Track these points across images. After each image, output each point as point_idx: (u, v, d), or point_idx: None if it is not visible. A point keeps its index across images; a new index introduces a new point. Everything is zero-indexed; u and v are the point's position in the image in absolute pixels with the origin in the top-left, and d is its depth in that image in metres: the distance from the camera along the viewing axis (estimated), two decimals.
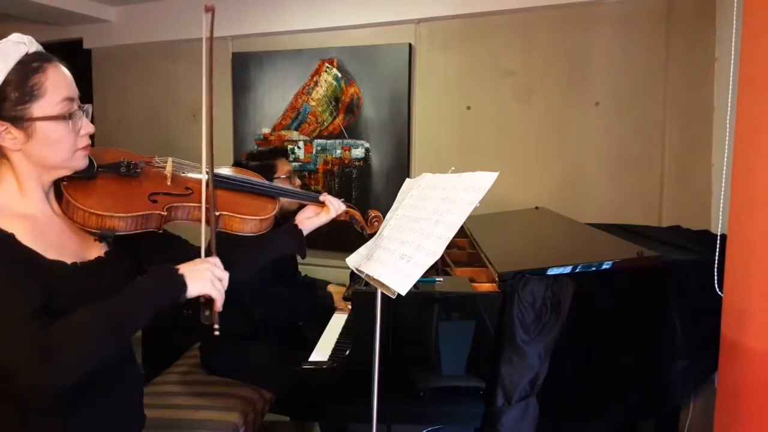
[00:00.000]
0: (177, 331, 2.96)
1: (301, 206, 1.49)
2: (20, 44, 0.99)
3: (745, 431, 1.43)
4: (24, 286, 0.92)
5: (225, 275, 1.04)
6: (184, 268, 1.01)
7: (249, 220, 1.23)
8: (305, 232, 1.38)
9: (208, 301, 1.02)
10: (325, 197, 1.39)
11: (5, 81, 0.96)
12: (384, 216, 1.44)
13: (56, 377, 0.89)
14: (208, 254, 1.09)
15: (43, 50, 1.03)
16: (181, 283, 0.98)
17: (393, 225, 1.35)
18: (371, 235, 1.45)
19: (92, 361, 0.92)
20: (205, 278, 1.01)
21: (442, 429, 1.71)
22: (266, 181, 1.38)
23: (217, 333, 1.04)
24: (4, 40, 0.99)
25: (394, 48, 3.06)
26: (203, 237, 1.11)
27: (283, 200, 1.40)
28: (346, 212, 1.42)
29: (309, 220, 1.38)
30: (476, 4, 2.87)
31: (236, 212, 1.22)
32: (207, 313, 1.02)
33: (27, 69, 0.98)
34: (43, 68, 0.99)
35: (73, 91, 1.04)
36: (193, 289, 0.99)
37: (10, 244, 0.94)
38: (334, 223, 1.43)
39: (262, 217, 1.25)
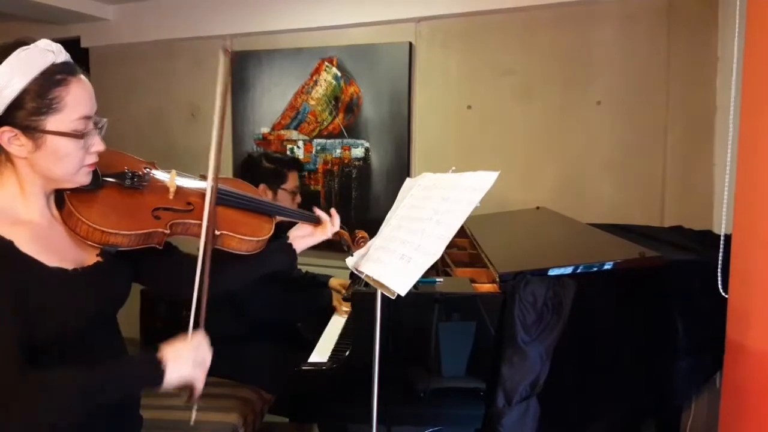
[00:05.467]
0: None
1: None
2: (48, 52, 0.96)
3: None
4: (13, 319, 0.90)
5: (208, 357, 1.07)
6: (169, 356, 1.01)
7: (247, 241, 1.23)
8: (298, 251, 1.38)
9: (188, 386, 1.05)
10: (323, 216, 1.40)
11: (24, 89, 0.93)
12: (370, 236, 1.45)
13: (15, 425, 0.89)
14: (195, 325, 1.09)
15: (71, 60, 1.00)
16: (159, 377, 0.99)
17: (393, 225, 1.34)
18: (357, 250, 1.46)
19: (52, 422, 0.93)
20: (187, 366, 1.03)
21: (443, 430, 1.70)
22: (266, 199, 1.37)
23: (192, 424, 1.08)
24: (32, 45, 0.95)
25: (394, 47, 3.05)
26: (195, 295, 1.10)
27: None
28: (337, 232, 1.43)
29: (303, 239, 1.39)
30: (477, 2, 2.85)
31: (236, 232, 1.21)
32: (186, 397, 1.06)
33: (50, 80, 0.95)
34: (67, 82, 0.96)
35: (92, 108, 1.01)
36: (172, 379, 1.01)
37: (9, 253, 0.92)
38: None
39: (260, 238, 1.25)
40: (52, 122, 0.96)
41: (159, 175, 1.20)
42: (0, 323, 0.89)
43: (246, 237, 1.22)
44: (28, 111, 0.94)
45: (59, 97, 0.95)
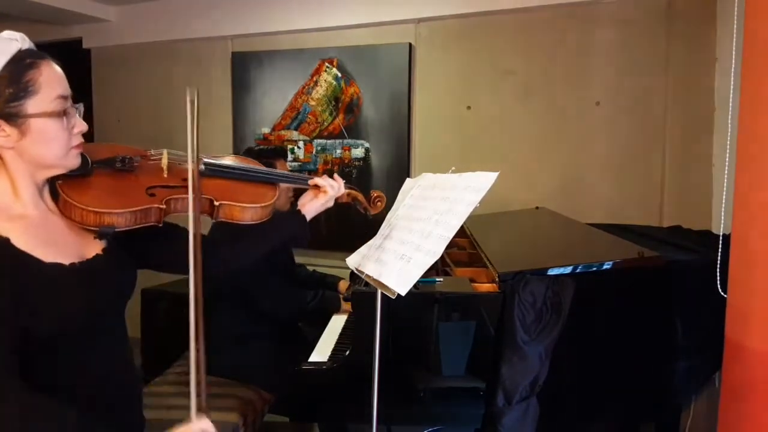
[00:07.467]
0: (176, 332, 2.97)
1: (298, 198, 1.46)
2: (12, 41, 0.97)
3: None
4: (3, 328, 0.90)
5: None
6: None
7: (249, 208, 1.22)
8: (308, 216, 1.34)
9: None
10: (318, 181, 1.35)
11: None
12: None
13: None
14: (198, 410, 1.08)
15: (35, 48, 1.01)
16: None
17: (393, 225, 1.34)
18: (375, 216, 1.42)
19: None
20: None
21: (443, 429, 1.71)
22: (264, 168, 1.34)
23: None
24: None
25: (394, 48, 3.06)
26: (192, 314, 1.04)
27: (276, 201, 1.37)
28: (348, 194, 1.39)
29: (310, 203, 1.35)
30: (476, 3, 2.86)
31: (236, 201, 1.20)
32: None
33: (20, 65, 0.96)
34: (37, 64, 0.97)
35: (66, 89, 1.02)
36: None
37: (5, 251, 0.93)
38: (333, 219, 1.41)
39: (263, 204, 1.23)
40: (32, 105, 0.96)
41: (151, 156, 1.20)
42: None
43: (247, 204, 1.21)
44: (6, 98, 0.95)
45: (33, 79, 0.96)
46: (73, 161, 1.04)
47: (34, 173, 1.01)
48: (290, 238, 1.37)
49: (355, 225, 1.57)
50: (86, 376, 1.04)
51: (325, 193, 1.34)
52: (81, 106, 1.05)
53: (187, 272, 1.25)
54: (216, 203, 1.18)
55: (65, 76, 1.02)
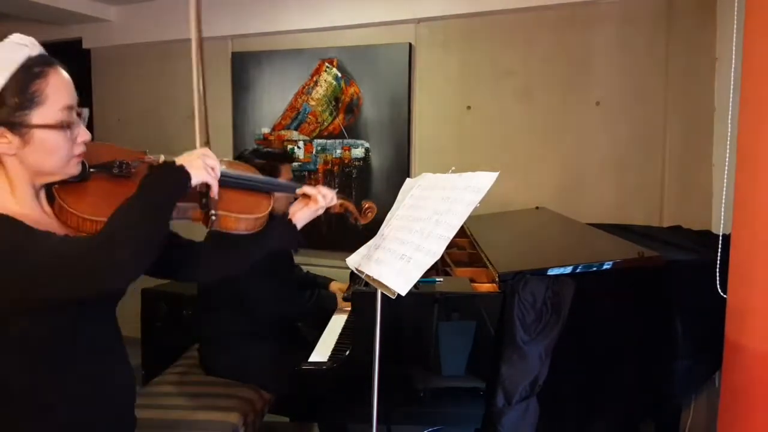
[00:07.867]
0: (176, 332, 2.97)
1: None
2: (22, 47, 0.96)
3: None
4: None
5: (216, 163, 1.11)
6: (183, 161, 1.07)
7: (244, 219, 1.21)
8: (299, 225, 1.35)
9: (205, 189, 1.10)
10: (308, 190, 1.35)
11: (4, 86, 0.93)
12: (377, 207, 1.44)
13: (122, 272, 0.94)
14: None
15: (45, 53, 1.00)
16: (187, 176, 1.04)
17: (393, 225, 1.34)
18: (365, 227, 1.44)
19: (145, 249, 0.96)
20: (200, 167, 1.07)
21: (442, 429, 1.71)
22: (259, 176, 1.34)
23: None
24: (6, 40, 0.96)
25: (394, 48, 3.06)
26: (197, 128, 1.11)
27: (275, 204, 1.37)
28: (340, 204, 1.40)
29: (300, 212, 1.35)
30: (476, 3, 2.86)
31: (231, 210, 1.19)
32: (204, 200, 1.12)
33: (29, 74, 0.95)
34: (45, 73, 0.97)
35: (73, 97, 1.01)
36: (195, 179, 1.06)
37: (21, 224, 0.94)
38: (333, 219, 1.42)
39: (257, 216, 1.23)
40: (37, 116, 0.96)
41: (148, 160, 1.20)
42: (34, 234, 0.93)
43: (242, 215, 1.20)
44: (11, 107, 0.94)
45: (39, 89, 0.95)
46: (74, 169, 1.03)
47: (32, 178, 1.01)
48: (281, 247, 1.37)
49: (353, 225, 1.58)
50: (84, 373, 1.05)
51: (315, 203, 1.35)
52: (86, 111, 1.05)
53: (175, 278, 1.24)
54: (212, 212, 1.17)
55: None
